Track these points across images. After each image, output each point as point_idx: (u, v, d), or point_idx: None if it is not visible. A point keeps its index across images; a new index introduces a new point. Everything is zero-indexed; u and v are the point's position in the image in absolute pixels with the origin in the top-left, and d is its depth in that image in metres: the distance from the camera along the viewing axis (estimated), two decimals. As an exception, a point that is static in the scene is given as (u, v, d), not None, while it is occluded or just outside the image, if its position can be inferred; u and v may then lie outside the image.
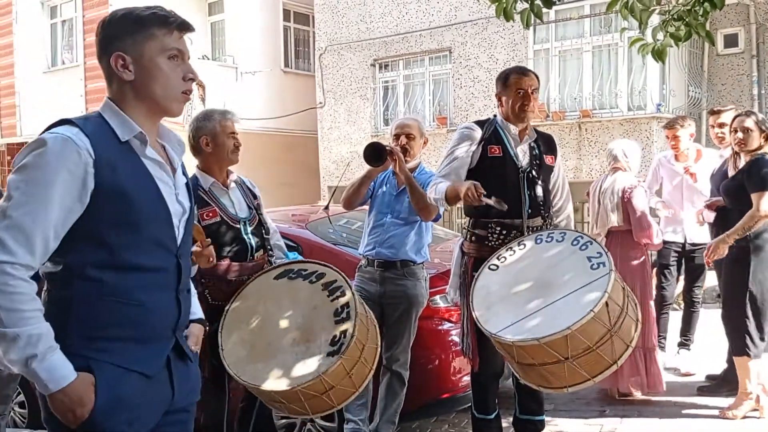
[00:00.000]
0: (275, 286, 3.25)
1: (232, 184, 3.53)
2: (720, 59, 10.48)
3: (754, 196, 4.07)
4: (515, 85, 3.57)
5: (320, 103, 13.63)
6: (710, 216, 4.69)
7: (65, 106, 14.54)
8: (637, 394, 4.70)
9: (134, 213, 1.83)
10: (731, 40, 10.35)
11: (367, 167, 3.80)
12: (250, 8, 14.24)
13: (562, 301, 2.86)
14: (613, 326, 2.80)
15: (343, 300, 3.04)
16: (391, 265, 3.89)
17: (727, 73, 10.42)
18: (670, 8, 3.86)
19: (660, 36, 3.81)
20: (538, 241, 3.29)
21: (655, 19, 3.90)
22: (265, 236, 3.54)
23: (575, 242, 3.11)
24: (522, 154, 3.59)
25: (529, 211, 3.52)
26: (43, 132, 1.79)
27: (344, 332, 2.91)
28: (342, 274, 3.16)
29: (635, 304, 3.03)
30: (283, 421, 4.09)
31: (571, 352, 2.78)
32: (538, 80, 3.68)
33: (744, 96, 10.21)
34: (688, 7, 3.63)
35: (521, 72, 3.64)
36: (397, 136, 3.98)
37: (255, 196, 3.62)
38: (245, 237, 3.44)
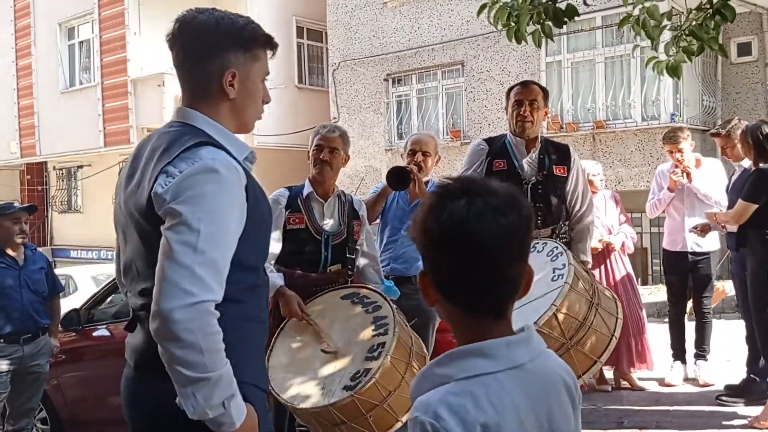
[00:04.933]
0: (338, 305, 3.27)
1: (332, 198, 3.59)
2: (734, 68, 10.46)
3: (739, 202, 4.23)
4: (513, 97, 3.67)
5: (334, 118, 13.72)
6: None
7: (83, 126, 14.75)
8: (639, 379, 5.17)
9: (266, 235, 1.87)
10: (744, 49, 10.33)
11: (382, 182, 3.83)
12: (264, 25, 14.18)
13: (519, 311, 2.85)
14: (570, 340, 2.76)
15: (381, 339, 2.95)
16: (406, 280, 3.91)
17: (741, 82, 10.39)
18: (682, 23, 3.88)
19: (672, 51, 3.82)
20: None
21: (666, 35, 3.91)
22: (348, 255, 3.55)
23: (550, 253, 3.09)
24: (527, 166, 3.64)
25: None
26: (193, 155, 1.68)
27: (367, 370, 2.84)
28: (394, 311, 3.06)
29: (616, 319, 2.97)
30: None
31: None
32: (545, 92, 3.72)
33: (758, 104, 10.17)
34: (699, 22, 3.63)
35: (520, 84, 3.75)
36: (413, 152, 4.00)
37: (356, 216, 3.63)
38: (322, 249, 3.49)
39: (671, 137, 5.13)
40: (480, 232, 1.13)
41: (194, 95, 1.81)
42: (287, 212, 3.51)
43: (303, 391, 2.90)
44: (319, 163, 3.52)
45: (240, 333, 1.74)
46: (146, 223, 1.69)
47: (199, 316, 1.57)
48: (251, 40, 1.82)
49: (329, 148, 3.52)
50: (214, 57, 1.77)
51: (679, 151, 5.05)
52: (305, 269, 3.48)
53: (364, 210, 3.72)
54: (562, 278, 2.85)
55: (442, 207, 1.16)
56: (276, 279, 3.36)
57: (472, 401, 1.09)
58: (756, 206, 4.13)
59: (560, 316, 2.73)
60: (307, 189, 3.57)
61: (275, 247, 3.50)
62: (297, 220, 3.50)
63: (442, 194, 1.18)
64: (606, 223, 5.16)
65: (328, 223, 3.55)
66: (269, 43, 1.87)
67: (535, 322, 2.68)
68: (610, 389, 5.12)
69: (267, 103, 1.93)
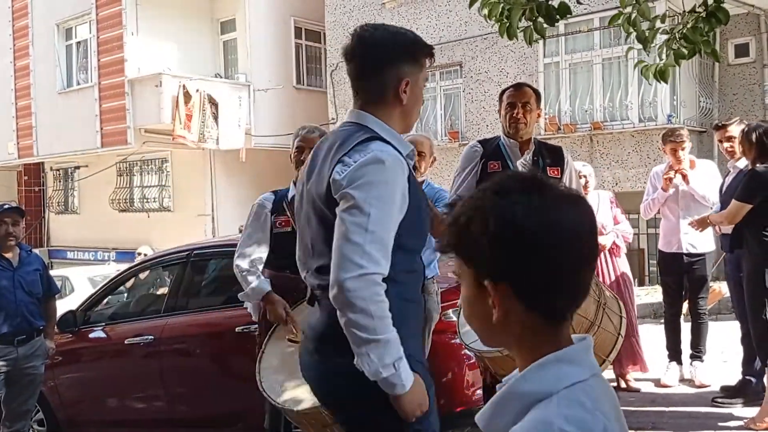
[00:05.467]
0: None
1: None
2: (731, 69, 10.47)
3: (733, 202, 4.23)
4: (506, 99, 3.67)
5: (332, 119, 13.71)
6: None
7: (80, 127, 14.74)
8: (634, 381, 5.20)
9: (424, 222, 2.11)
10: (742, 50, 10.33)
11: None
12: (262, 26, 14.40)
13: None
14: None
15: None
16: None
17: (739, 83, 10.39)
18: (675, 26, 3.86)
19: (664, 55, 3.81)
20: None
21: (660, 38, 3.90)
22: None
23: None
24: (522, 168, 3.64)
25: None
26: (365, 147, 1.95)
27: None
28: None
29: (620, 318, 2.98)
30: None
31: None
32: (538, 94, 3.72)
33: (756, 106, 10.18)
34: (693, 25, 3.62)
35: (513, 86, 3.75)
36: None
37: None
38: None
39: (676, 134, 5.10)
40: (577, 227, 1.05)
41: (368, 100, 2.07)
42: (273, 216, 3.55)
43: (295, 394, 2.91)
44: (300, 164, 3.55)
45: (398, 311, 1.94)
46: (325, 207, 1.98)
47: (368, 286, 1.85)
48: (420, 51, 2.07)
49: (310, 149, 3.56)
50: (392, 68, 2.02)
51: (683, 149, 5.03)
52: (295, 272, 3.49)
53: None
54: None
55: (525, 201, 1.04)
56: (264, 285, 3.44)
57: (584, 409, 1.01)
58: (750, 206, 4.13)
59: (573, 317, 2.73)
60: (292, 191, 3.59)
61: (263, 251, 3.55)
62: (283, 223, 3.55)
63: (513, 188, 1.06)
64: (597, 223, 5.17)
65: None
66: (431, 53, 2.10)
67: None
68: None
69: (422, 105, 2.21)
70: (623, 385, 5.17)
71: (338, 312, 1.88)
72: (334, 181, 1.92)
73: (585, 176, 5.24)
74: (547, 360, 1.06)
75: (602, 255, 5.17)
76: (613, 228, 5.24)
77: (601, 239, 5.14)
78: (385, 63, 2.01)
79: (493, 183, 1.09)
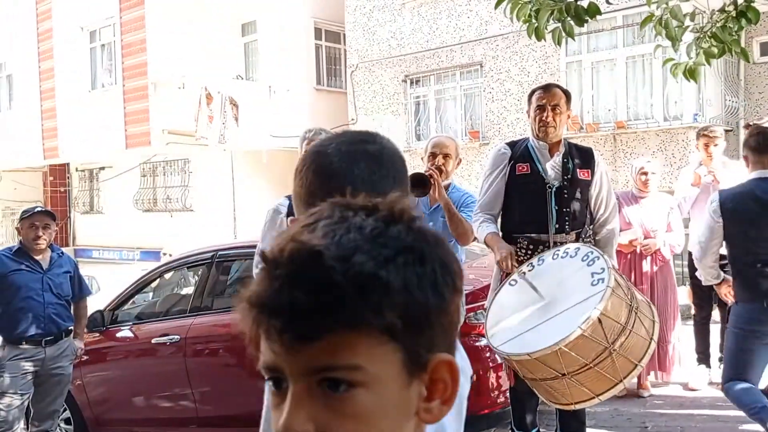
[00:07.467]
0: None
1: None
2: (757, 67, 10.32)
3: None
4: (535, 101, 3.64)
5: (352, 119, 13.73)
6: None
7: (105, 128, 14.90)
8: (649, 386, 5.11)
9: None
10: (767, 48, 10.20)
11: None
12: (283, 28, 14.44)
13: (561, 316, 2.85)
14: (612, 344, 2.76)
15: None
16: None
17: (765, 81, 10.25)
18: (704, 25, 3.83)
19: (693, 54, 3.77)
20: (555, 257, 3.27)
21: (688, 36, 3.86)
22: None
23: (585, 258, 3.09)
24: (551, 170, 3.61)
25: (557, 226, 3.54)
26: None
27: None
28: None
29: (652, 322, 2.96)
30: None
31: (567, 368, 2.77)
32: (568, 95, 3.68)
33: (782, 104, 10.04)
34: (722, 24, 3.58)
35: (542, 88, 3.70)
36: (433, 155, 3.96)
37: None
38: None
39: (710, 130, 5.20)
40: None
41: None
42: (289, 220, 3.56)
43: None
44: None
45: None
46: None
47: None
48: None
49: None
50: None
51: (715, 145, 5.09)
52: None
53: None
54: (603, 282, 2.85)
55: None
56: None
57: None
58: None
59: (604, 320, 2.73)
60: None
61: None
62: None
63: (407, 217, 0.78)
64: (647, 226, 5.08)
65: None
66: None
67: (579, 326, 2.68)
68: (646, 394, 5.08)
69: None
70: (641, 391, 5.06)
71: None
72: None
73: (647, 173, 5.16)
74: None
75: (639, 259, 5.06)
76: (663, 235, 5.12)
77: (647, 241, 5.05)
78: None
79: (390, 210, 0.76)
